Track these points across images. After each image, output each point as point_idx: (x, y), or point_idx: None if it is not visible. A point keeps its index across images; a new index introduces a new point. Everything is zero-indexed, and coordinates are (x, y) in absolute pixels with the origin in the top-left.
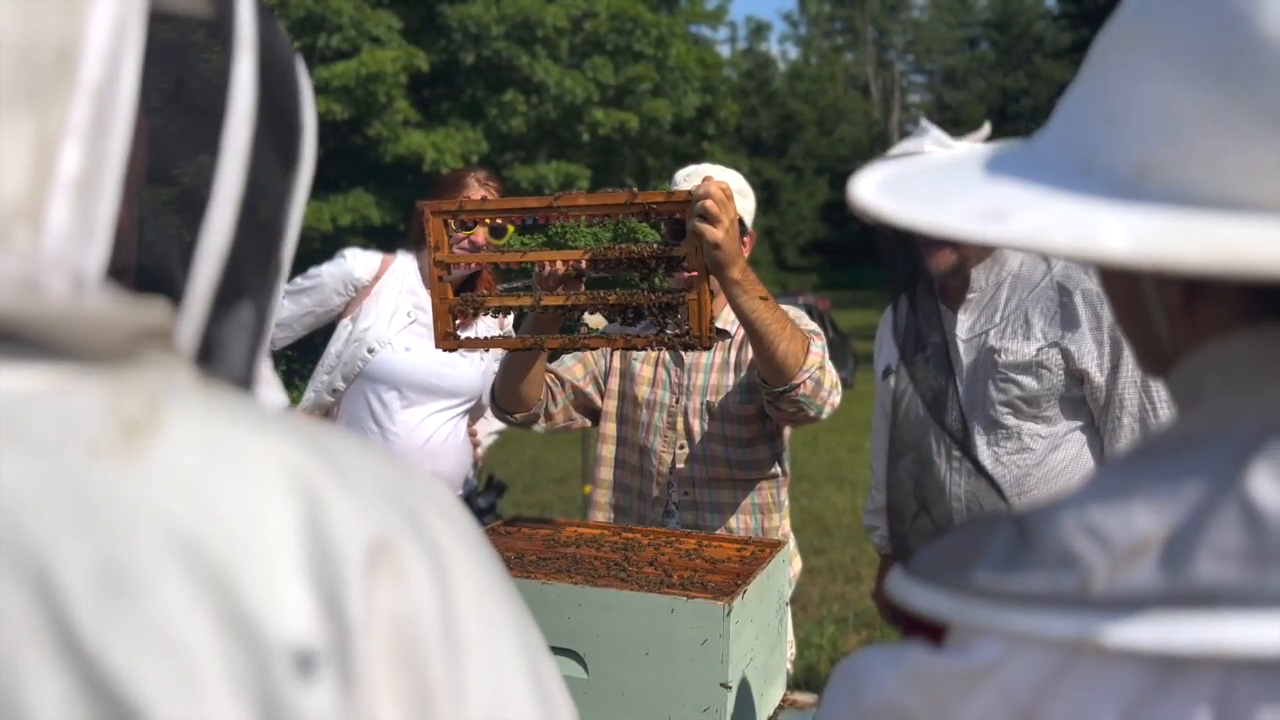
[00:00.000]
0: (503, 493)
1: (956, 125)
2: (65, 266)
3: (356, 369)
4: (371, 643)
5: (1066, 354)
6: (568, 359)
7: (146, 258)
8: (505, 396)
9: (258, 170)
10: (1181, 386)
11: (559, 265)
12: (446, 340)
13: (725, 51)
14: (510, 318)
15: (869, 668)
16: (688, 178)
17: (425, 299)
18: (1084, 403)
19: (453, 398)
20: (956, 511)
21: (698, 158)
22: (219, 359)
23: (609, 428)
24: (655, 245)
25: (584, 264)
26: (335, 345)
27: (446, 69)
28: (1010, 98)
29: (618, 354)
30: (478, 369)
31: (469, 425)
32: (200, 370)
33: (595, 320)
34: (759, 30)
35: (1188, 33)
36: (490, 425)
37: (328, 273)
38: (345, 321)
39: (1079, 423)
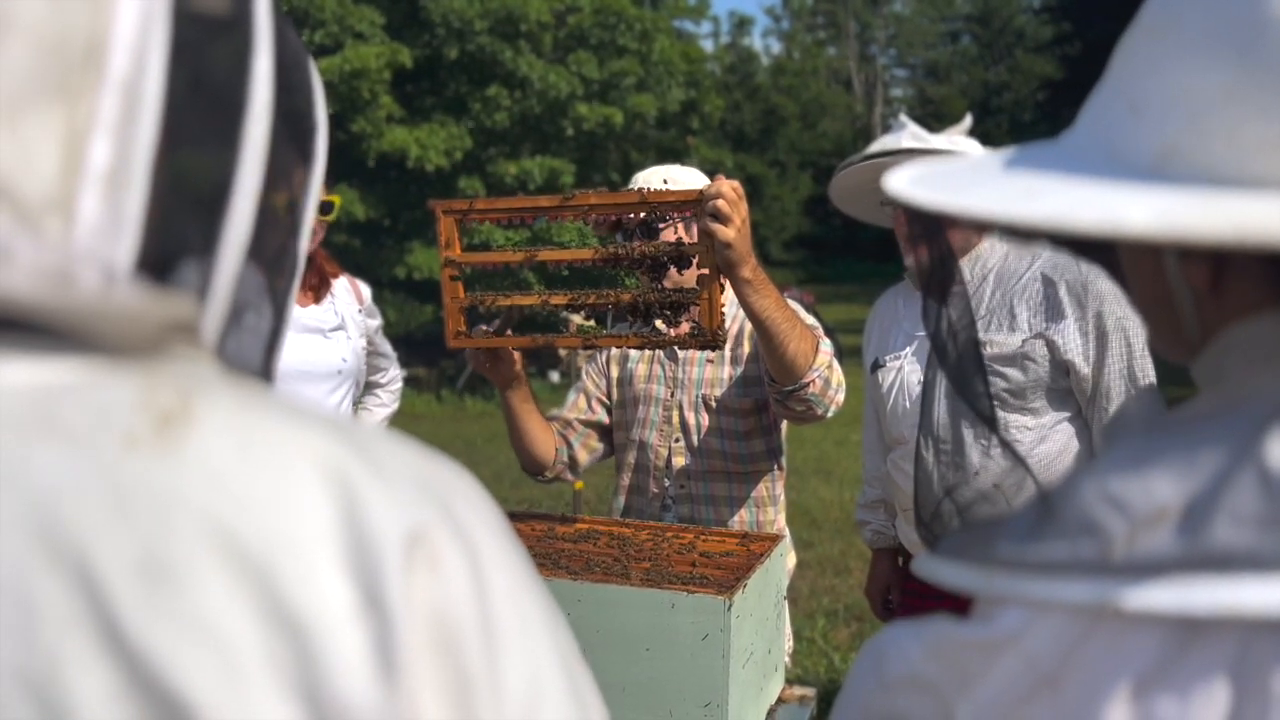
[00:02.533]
0: None
1: (939, 119)
2: (96, 259)
3: None
4: (412, 633)
5: (1051, 345)
6: (569, 396)
7: (168, 251)
8: (525, 460)
9: (275, 165)
10: (1206, 370)
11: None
12: (458, 339)
13: (708, 46)
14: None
15: (892, 640)
16: (635, 181)
17: None
18: (1071, 394)
19: (328, 381)
20: (989, 498)
21: (682, 152)
22: (239, 352)
23: (619, 436)
24: (666, 244)
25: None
26: None
27: (430, 64)
28: (992, 91)
29: (614, 365)
30: (349, 348)
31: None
32: (221, 363)
33: (576, 320)
34: (742, 24)
35: (1208, 19)
36: (377, 414)
37: None
38: None
39: (1066, 414)
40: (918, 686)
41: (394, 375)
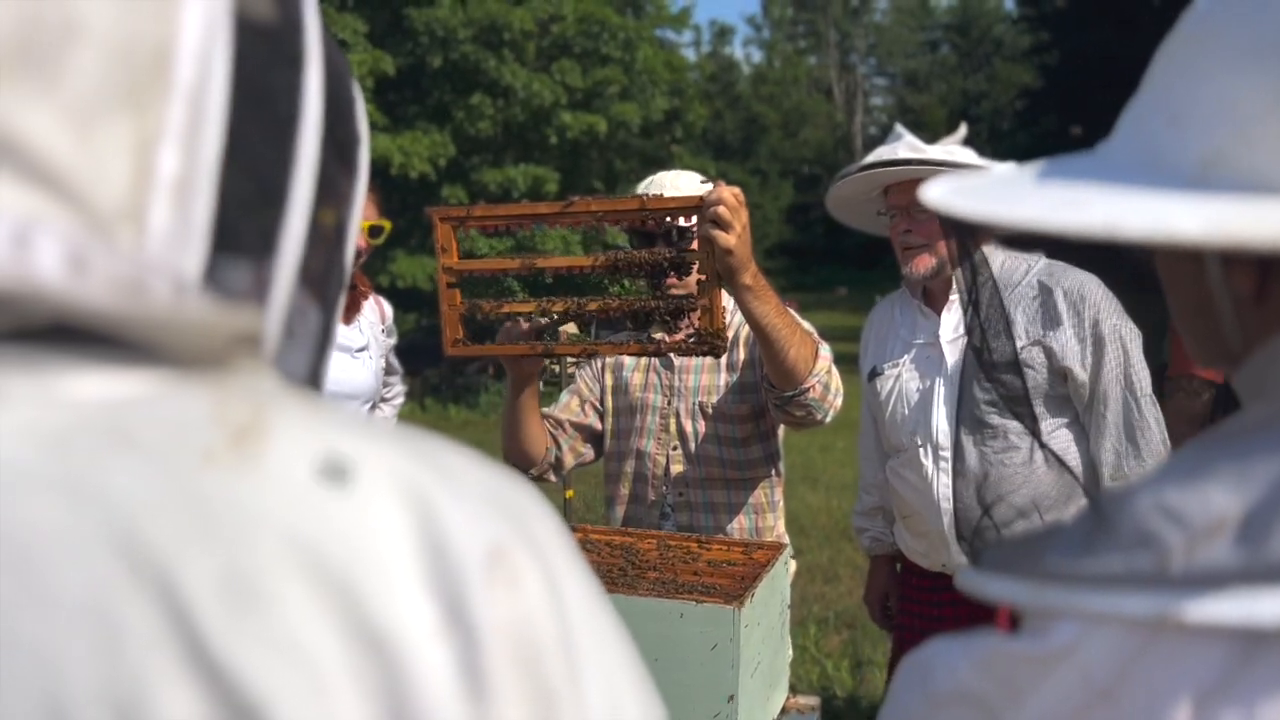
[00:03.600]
0: None
1: (918, 128)
2: (167, 269)
3: None
4: (496, 650)
5: (1049, 351)
6: (562, 397)
7: (229, 262)
8: (513, 456)
9: (323, 178)
10: (1250, 379)
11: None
12: (456, 347)
13: (690, 55)
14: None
15: (939, 655)
16: (648, 185)
17: None
18: (1068, 400)
19: (350, 402)
20: (1029, 508)
21: (665, 160)
22: (291, 365)
23: (609, 444)
24: (665, 250)
25: (598, 265)
26: None
27: (413, 72)
28: (971, 100)
29: (609, 372)
30: (370, 369)
31: None
32: (278, 377)
33: (569, 329)
34: (723, 34)
35: (1254, 27)
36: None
37: None
38: None
39: (1064, 420)
40: (966, 701)
41: (398, 390)
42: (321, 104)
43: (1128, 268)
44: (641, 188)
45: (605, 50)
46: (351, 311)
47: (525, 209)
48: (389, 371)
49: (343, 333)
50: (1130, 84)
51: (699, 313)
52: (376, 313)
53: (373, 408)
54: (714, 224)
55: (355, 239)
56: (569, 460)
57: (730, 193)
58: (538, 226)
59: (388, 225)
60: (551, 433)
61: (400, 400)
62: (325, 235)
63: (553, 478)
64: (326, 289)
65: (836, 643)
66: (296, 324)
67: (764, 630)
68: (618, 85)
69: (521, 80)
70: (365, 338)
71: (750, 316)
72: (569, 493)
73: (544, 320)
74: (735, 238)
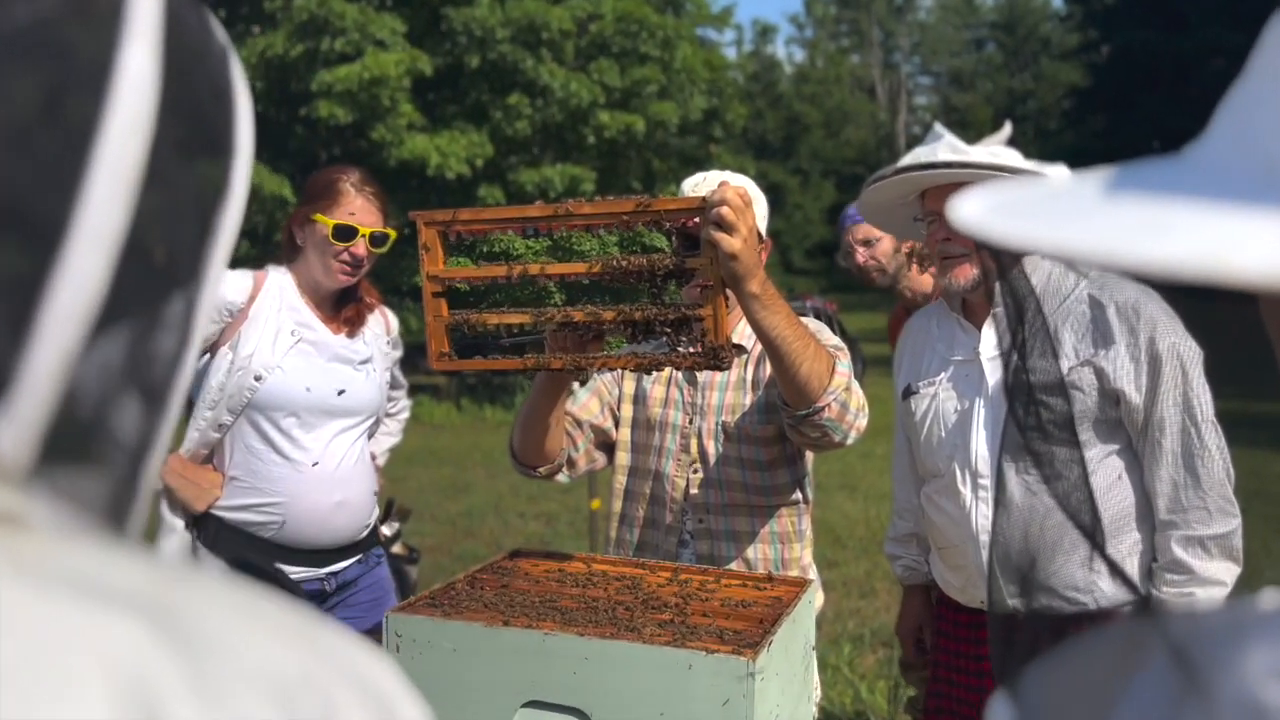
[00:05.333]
0: (406, 519)
1: (963, 127)
2: None
3: (244, 400)
4: None
5: (1100, 373)
6: (581, 394)
7: None
8: (528, 451)
9: (154, 200)
10: None
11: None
12: (441, 360)
13: (732, 54)
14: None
15: None
16: (696, 186)
17: (308, 315)
18: (1120, 425)
19: (354, 416)
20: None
21: (704, 160)
22: (79, 491)
23: (622, 457)
24: (667, 255)
25: (593, 273)
26: (216, 377)
27: (451, 72)
28: (1017, 99)
29: (629, 378)
30: (374, 382)
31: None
32: (40, 493)
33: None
34: (765, 33)
35: None
36: (382, 443)
37: None
38: (224, 350)
39: (1115, 446)
40: None
41: (403, 405)
42: (151, 97)
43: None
44: (688, 185)
45: (644, 49)
46: (356, 323)
47: (513, 211)
48: (394, 385)
49: (346, 344)
50: (1182, 82)
51: (703, 323)
52: (382, 324)
53: (376, 423)
54: (717, 226)
55: (219, 282)
56: (582, 464)
57: (735, 192)
58: (558, 230)
59: (393, 233)
60: (569, 431)
61: (405, 415)
62: (157, 278)
63: (559, 478)
64: (150, 382)
65: (871, 662)
66: (94, 433)
67: (783, 680)
68: (656, 84)
69: (559, 80)
70: (369, 350)
71: (757, 327)
72: (595, 503)
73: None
74: (740, 241)
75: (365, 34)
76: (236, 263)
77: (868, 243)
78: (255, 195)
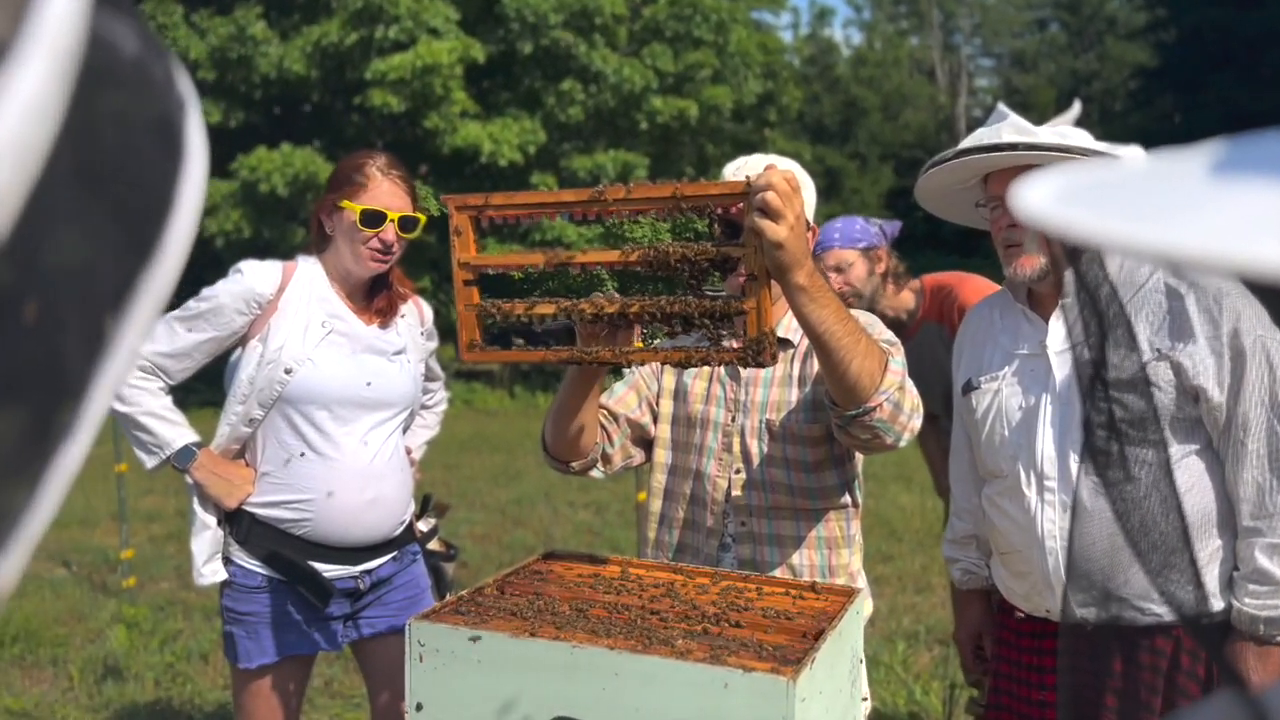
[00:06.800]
0: (443, 514)
1: (1026, 109)
2: None
3: (275, 393)
4: None
5: (1178, 368)
6: (619, 388)
7: None
8: (560, 445)
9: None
10: None
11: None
12: (471, 351)
13: (788, 37)
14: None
15: None
16: (738, 170)
17: (339, 306)
18: (1200, 424)
19: (388, 409)
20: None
21: (759, 145)
22: None
23: (661, 455)
24: (707, 244)
25: (634, 262)
26: (246, 370)
27: (504, 59)
28: (1081, 80)
29: (669, 372)
30: (409, 373)
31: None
32: None
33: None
34: (822, 15)
35: None
36: (418, 436)
37: (225, 291)
38: (254, 343)
39: (1194, 446)
40: None
41: (441, 397)
42: (43, 128)
43: None
44: (730, 170)
45: (697, 33)
46: (388, 314)
47: (547, 196)
48: (430, 377)
49: (379, 335)
50: (1251, 63)
51: (745, 316)
52: (416, 315)
53: (412, 415)
54: (762, 213)
55: (116, 383)
56: (618, 460)
57: (781, 176)
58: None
59: (423, 218)
60: (604, 426)
61: (443, 407)
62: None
63: (595, 473)
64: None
65: (927, 661)
66: None
67: (827, 698)
68: (709, 68)
69: (612, 65)
70: (403, 340)
71: (805, 322)
72: (641, 495)
73: (571, 320)
74: (787, 229)
75: (419, 22)
76: (293, 252)
77: (839, 269)
78: (311, 185)
